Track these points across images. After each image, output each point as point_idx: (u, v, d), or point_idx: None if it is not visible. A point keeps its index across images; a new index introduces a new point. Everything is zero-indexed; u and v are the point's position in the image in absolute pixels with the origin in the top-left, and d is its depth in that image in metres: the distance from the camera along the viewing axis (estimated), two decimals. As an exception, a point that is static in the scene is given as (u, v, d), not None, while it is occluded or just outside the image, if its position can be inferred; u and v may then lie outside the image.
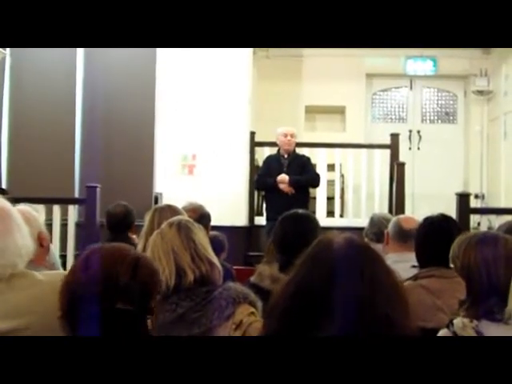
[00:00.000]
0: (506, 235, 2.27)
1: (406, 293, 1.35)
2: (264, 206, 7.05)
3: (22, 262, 1.92)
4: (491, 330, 1.99)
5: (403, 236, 3.22)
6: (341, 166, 7.70)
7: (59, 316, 1.62)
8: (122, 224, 4.14)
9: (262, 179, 6.56)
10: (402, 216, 3.49)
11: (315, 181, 6.46)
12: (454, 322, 2.05)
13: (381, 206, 7.60)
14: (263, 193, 7.63)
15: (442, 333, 2.04)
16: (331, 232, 1.39)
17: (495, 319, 2.01)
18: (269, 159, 6.66)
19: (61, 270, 2.67)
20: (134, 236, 4.01)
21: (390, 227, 3.34)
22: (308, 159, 6.54)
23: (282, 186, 6.21)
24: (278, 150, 6.52)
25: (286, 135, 6.38)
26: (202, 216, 3.54)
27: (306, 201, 6.39)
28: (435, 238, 2.74)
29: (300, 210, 3.09)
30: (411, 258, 2.94)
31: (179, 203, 3.58)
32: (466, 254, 2.17)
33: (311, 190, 7.09)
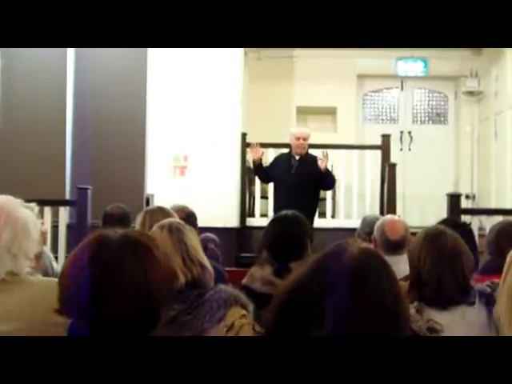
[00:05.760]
0: (455, 233, 2.43)
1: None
2: (272, 203, 6.85)
3: (15, 265, 1.92)
4: (432, 315, 2.23)
5: (390, 247, 3.18)
6: (332, 166, 7.70)
7: (56, 310, 1.55)
8: (118, 226, 4.09)
9: (263, 169, 6.40)
10: (387, 221, 3.34)
11: (334, 183, 6.42)
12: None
13: (372, 207, 7.62)
14: (258, 193, 7.63)
15: None
16: (352, 239, 1.40)
17: (432, 306, 2.26)
18: (280, 156, 6.51)
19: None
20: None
21: (377, 234, 3.29)
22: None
23: (321, 164, 6.02)
24: (290, 150, 6.33)
25: (298, 138, 6.19)
26: (189, 215, 3.54)
27: (316, 203, 6.31)
28: None
29: (290, 212, 3.08)
30: (400, 259, 3.01)
31: (171, 205, 3.57)
32: (412, 245, 2.45)
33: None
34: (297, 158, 6.24)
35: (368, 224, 3.69)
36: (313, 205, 6.17)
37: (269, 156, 6.87)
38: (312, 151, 6.31)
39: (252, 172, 7.02)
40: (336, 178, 6.45)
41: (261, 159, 6.28)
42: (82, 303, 1.47)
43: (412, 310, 2.23)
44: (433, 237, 2.38)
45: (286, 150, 6.49)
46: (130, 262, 1.50)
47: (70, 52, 6.82)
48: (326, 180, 6.15)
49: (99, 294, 1.45)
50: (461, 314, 2.28)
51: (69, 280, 1.53)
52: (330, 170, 6.26)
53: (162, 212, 3.12)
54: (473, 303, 2.30)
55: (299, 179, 6.07)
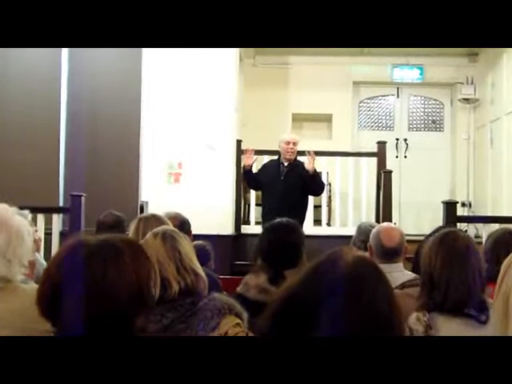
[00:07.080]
0: (466, 235, 2.46)
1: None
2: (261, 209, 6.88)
3: (9, 271, 1.92)
4: (439, 321, 2.21)
5: (385, 254, 3.15)
6: (328, 174, 7.70)
7: (39, 313, 1.55)
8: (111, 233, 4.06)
9: (252, 175, 6.42)
10: (383, 228, 3.30)
11: (323, 187, 6.41)
12: (409, 316, 2.23)
13: (368, 214, 7.60)
14: (253, 201, 7.59)
15: None
16: (346, 247, 1.39)
17: (442, 311, 2.23)
18: (269, 163, 6.52)
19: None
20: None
21: (372, 242, 3.25)
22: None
23: (308, 165, 6.06)
24: (279, 157, 6.32)
25: (288, 143, 6.18)
26: (183, 222, 3.52)
27: (305, 209, 6.28)
28: None
29: (284, 220, 3.06)
30: (395, 267, 3.05)
31: (164, 212, 3.54)
32: (425, 246, 2.41)
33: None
34: (286, 164, 6.24)
35: (363, 231, 3.66)
36: (302, 211, 6.15)
37: (263, 163, 6.86)
38: (301, 158, 6.31)
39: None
40: (325, 182, 6.44)
41: (251, 166, 6.29)
42: (51, 307, 1.49)
43: (413, 316, 2.22)
44: (446, 239, 2.35)
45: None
46: (94, 265, 1.48)
47: (64, 56, 6.78)
48: (316, 184, 6.14)
49: (67, 298, 1.45)
50: (470, 329, 2.20)
51: (43, 285, 1.54)
52: (318, 173, 6.23)
53: (155, 219, 3.10)
54: (484, 322, 2.21)
55: (288, 185, 6.08)
